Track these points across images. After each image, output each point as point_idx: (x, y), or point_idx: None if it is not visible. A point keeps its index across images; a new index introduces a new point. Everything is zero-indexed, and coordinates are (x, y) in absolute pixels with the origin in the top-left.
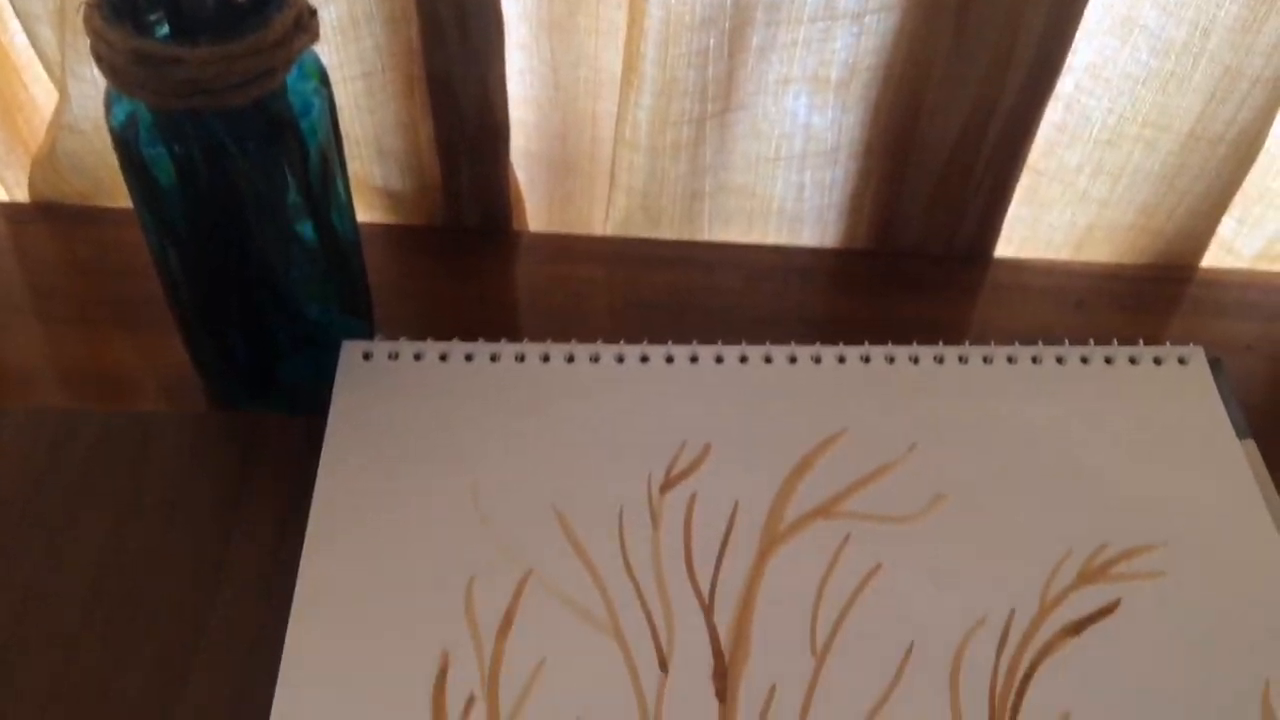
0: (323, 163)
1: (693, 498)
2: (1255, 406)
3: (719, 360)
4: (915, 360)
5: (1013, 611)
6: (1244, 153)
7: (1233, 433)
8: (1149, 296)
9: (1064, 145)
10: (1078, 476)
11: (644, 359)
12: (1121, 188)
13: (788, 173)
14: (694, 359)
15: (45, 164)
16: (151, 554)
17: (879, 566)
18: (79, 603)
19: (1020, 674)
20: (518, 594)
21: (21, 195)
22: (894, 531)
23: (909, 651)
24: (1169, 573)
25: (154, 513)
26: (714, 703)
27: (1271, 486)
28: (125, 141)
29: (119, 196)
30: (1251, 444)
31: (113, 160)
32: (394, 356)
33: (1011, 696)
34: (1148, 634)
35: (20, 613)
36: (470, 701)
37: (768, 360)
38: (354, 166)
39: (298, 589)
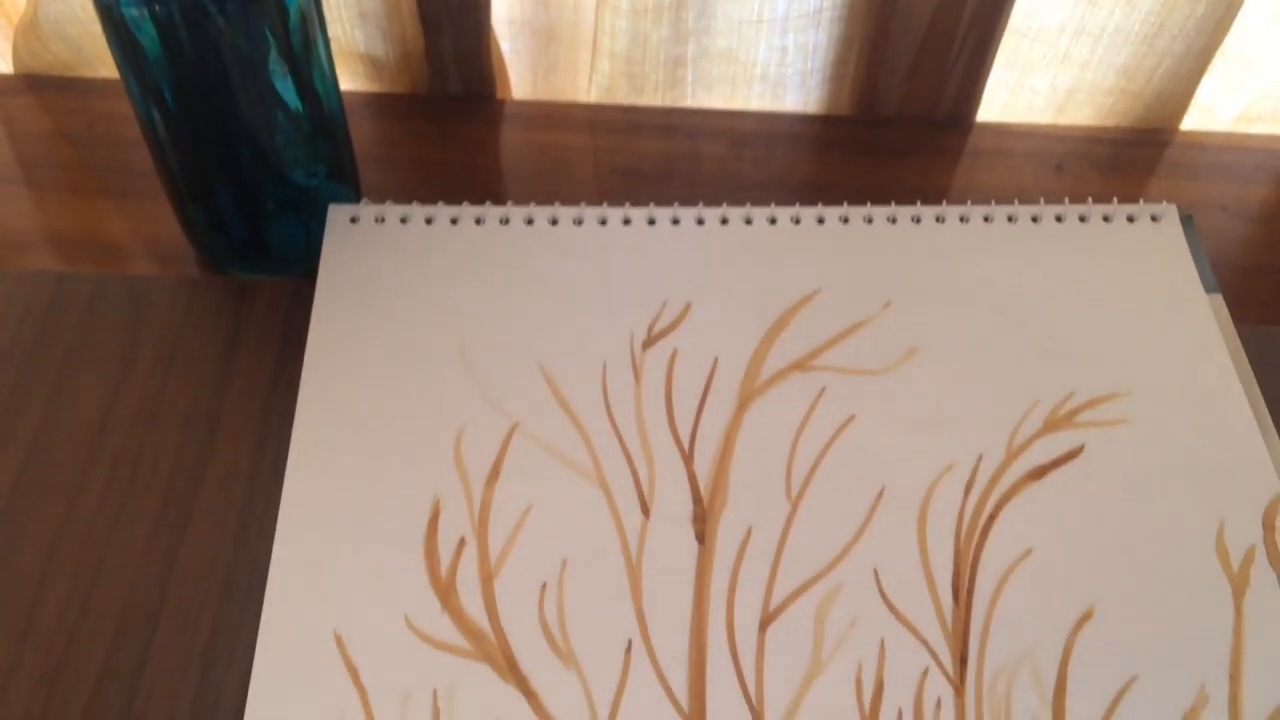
0: (303, 23)
1: (674, 354)
2: (1227, 265)
3: (700, 222)
4: (893, 221)
5: (980, 458)
6: (1223, 13)
7: (1201, 287)
8: (1128, 159)
9: (1045, 6)
10: (1048, 330)
11: (626, 221)
12: (1102, 49)
13: (770, 36)
14: (675, 221)
15: (28, 33)
16: (149, 408)
17: (852, 417)
18: (80, 455)
19: (985, 516)
20: (505, 445)
21: (6, 67)
22: (867, 384)
23: (879, 496)
24: (1132, 420)
25: (150, 370)
26: (694, 544)
27: (1236, 339)
28: (106, 4)
29: (103, 66)
30: (1219, 298)
31: (96, 27)
32: (380, 220)
33: (976, 536)
34: (1108, 478)
35: (24, 466)
36: (461, 544)
37: (748, 222)
38: (336, 31)
39: (293, 440)
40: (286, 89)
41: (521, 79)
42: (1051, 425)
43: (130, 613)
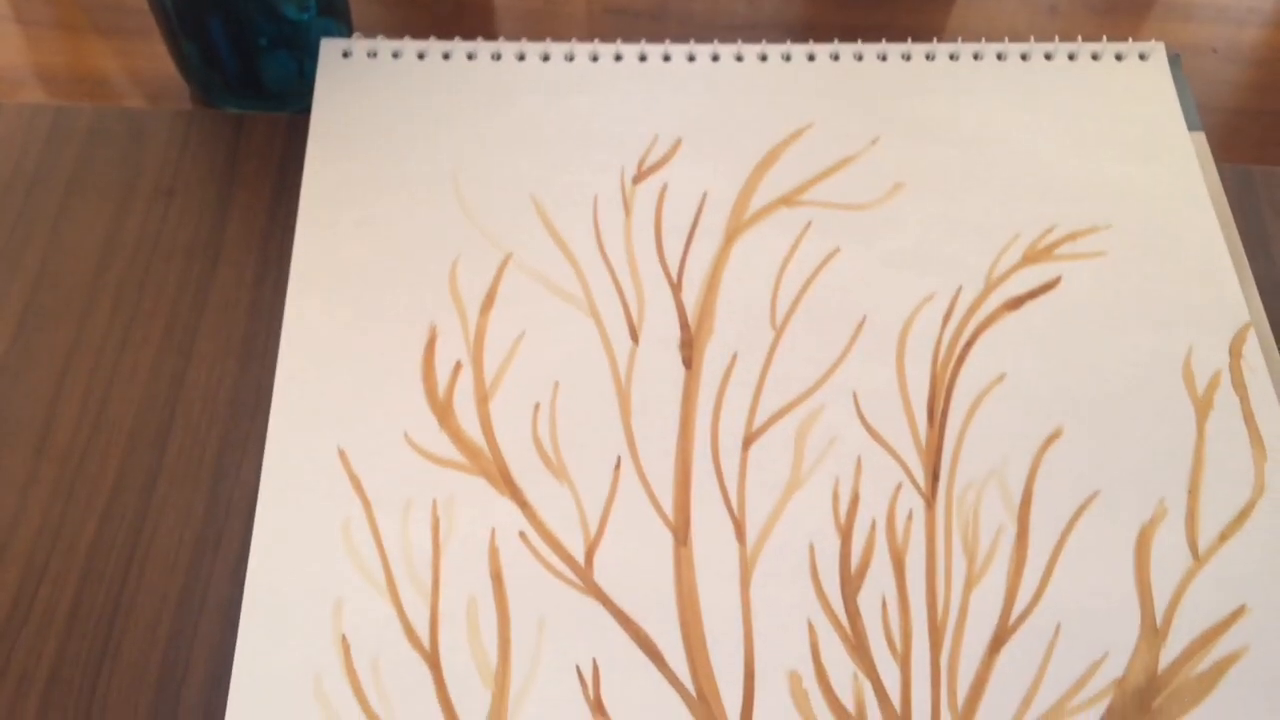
0: None
1: (664, 188)
2: (1215, 107)
3: (691, 59)
4: (883, 58)
5: (959, 289)
6: None
7: (1184, 125)
8: (1122, 1)
9: None
10: (1033, 166)
11: (618, 57)
12: None
13: None
14: (667, 58)
15: None
16: (151, 238)
17: (837, 250)
18: (85, 284)
19: (962, 343)
20: (499, 274)
21: None
22: (853, 218)
23: (860, 325)
24: (1109, 252)
25: (150, 201)
26: (681, 369)
27: (1216, 176)
28: None
29: None
30: (1201, 136)
31: None
32: (372, 55)
33: (952, 362)
34: (1083, 307)
35: (32, 292)
36: (457, 367)
37: (739, 59)
38: None
39: (292, 269)
40: None
41: None
42: (1030, 258)
43: (141, 429)
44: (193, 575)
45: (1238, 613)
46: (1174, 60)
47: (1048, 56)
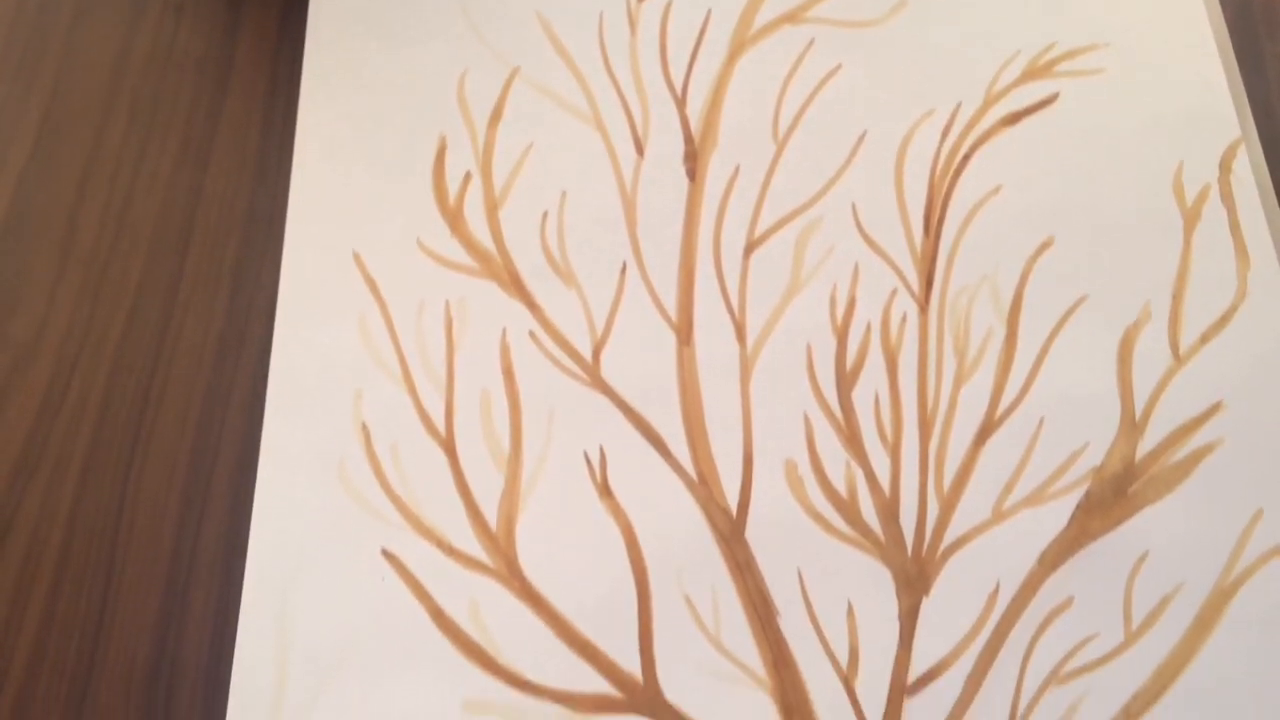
0: None
1: (668, 6)
2: None
3: None
4: None
5: (959, 104)
6: None
7: None
8: None
9: None
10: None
11: None
12: None
13: None
14: None
15: None
16: (162, 54)
17: (839, 66)
18: (101, 96)
19: (959, 157)
20: (505, 89)
21: None
22: (855, 35)
23: (861, 139)
24: (1107, 69)
25: (160, 17)
26: (684, 180)
27: (1216, 3)
28: None
29: None
30: None
31: None
32: None
33: (950, 175)
34: (1079, 123)
35: (49, 103)
36: (467, 177)
37: None
38: None
39: (304, 83)
40: None
41: None
42: (1030, 74)
43: (162, 234)
44: (218, 371)
45: (1215, 408)
46: None
47: None
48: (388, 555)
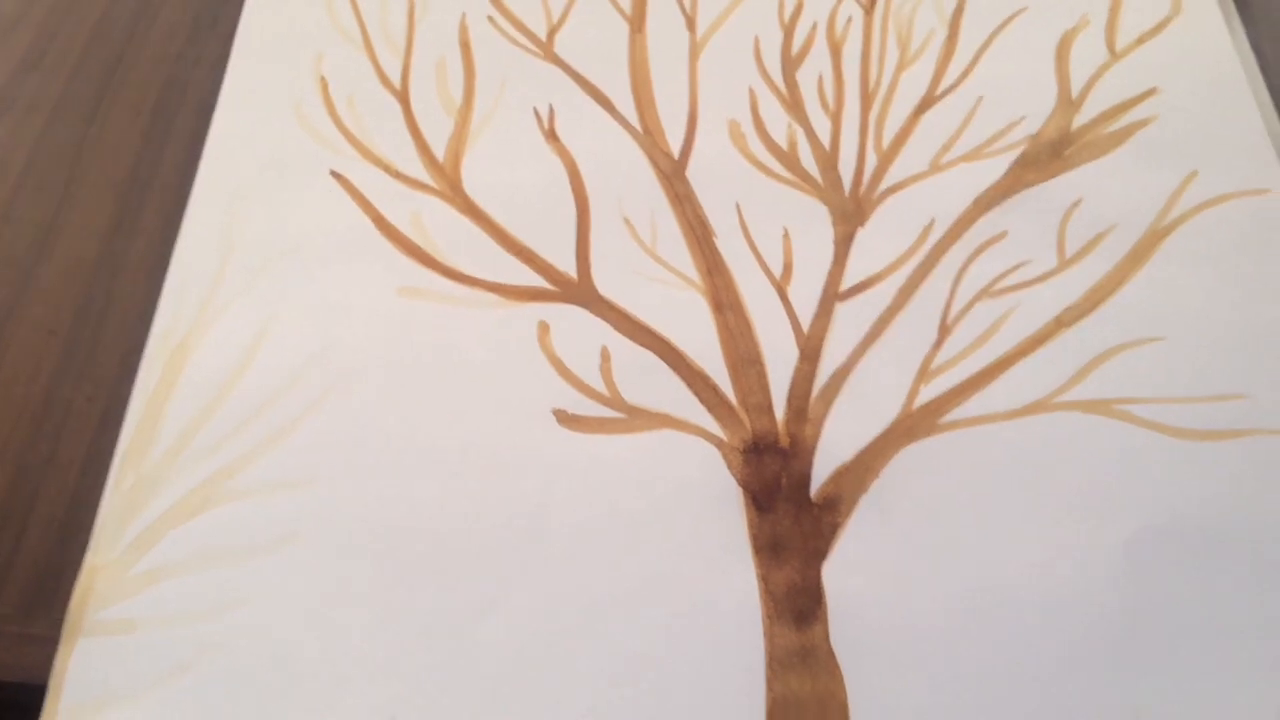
0: None
1: None
2: None
3: None
4: None
5: None
6: None
7: None
8: None
9: None
10: None
11: None
12: None
13: None
14: None
15: None
16: None
17: None
18: None
19: None
20: None
21: None
22: None
23: None
24: None
25: None
26: None
27: None
28: None
29: None
30: None
31: None
32: None
33: None
34: None
35: None
36: None
37: None
38: None
39: None
40: None
41: None
42: None
43: None
44: (191, 41)
45: (1150, 91)
46: None
47: None
48: (335, 175)
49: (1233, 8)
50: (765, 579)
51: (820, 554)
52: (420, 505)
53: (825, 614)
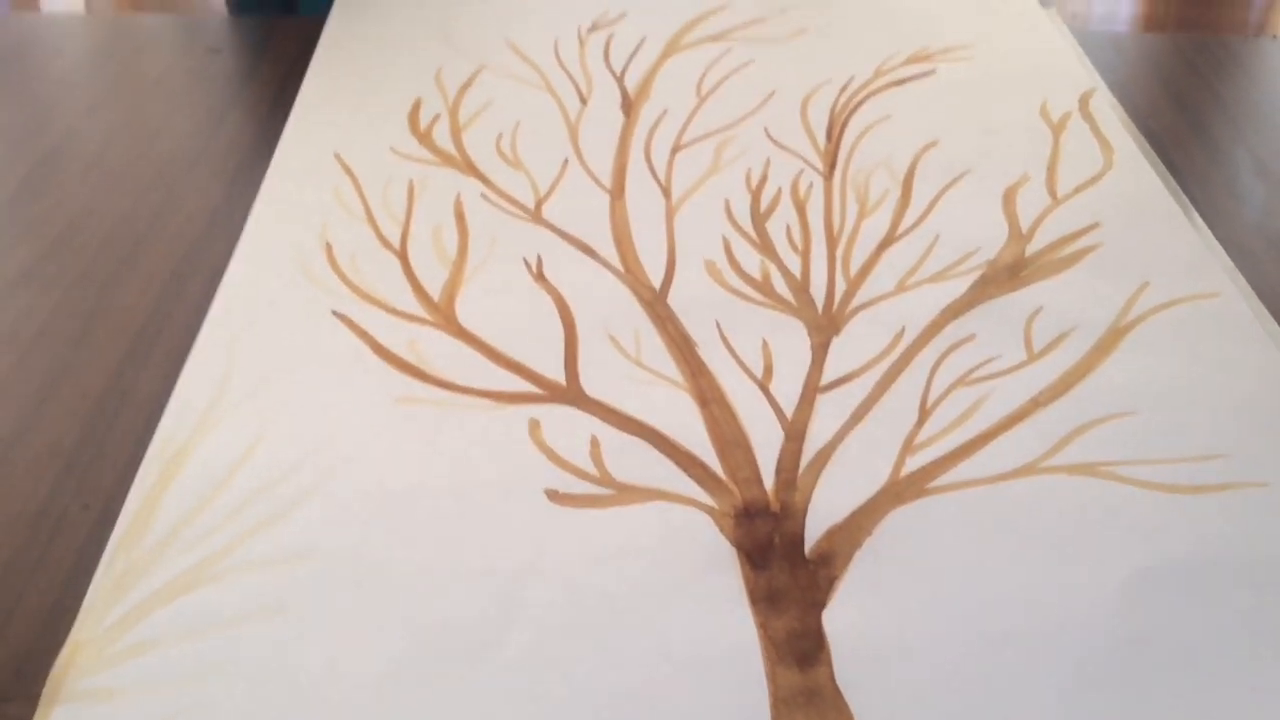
0: None
1: (611, 36)
2: None
3: None
4: None
5: (852, 76)
6: None
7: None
8: None
9: None
10: (916, 18)
11: None
12: None
13: None
14: None
15: None
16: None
17: (753, 60)
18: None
19: (854, 102)
20: (475, 74)
21: None
22: (765, 47)
23: (771, 94)
24: (976, 58)
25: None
26: (621, 116)
27: (1054, 10)
28: None
29: None
30: (1053, 11)
31: None
32: None
33: (847, 109)
34: (955, 82)
35: None
36: (436, 118)
37: None
38: None
39: (308, 73)
40: None
41: None
42: (911, 60)
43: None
44: (212, 224)
45: (1093, 225)
46: None
47: None
48: (337, 314)
49: (1157, 160)
50: (764, 626)
51: (819, 604)
52: (411, 576)
53: (829, 657)
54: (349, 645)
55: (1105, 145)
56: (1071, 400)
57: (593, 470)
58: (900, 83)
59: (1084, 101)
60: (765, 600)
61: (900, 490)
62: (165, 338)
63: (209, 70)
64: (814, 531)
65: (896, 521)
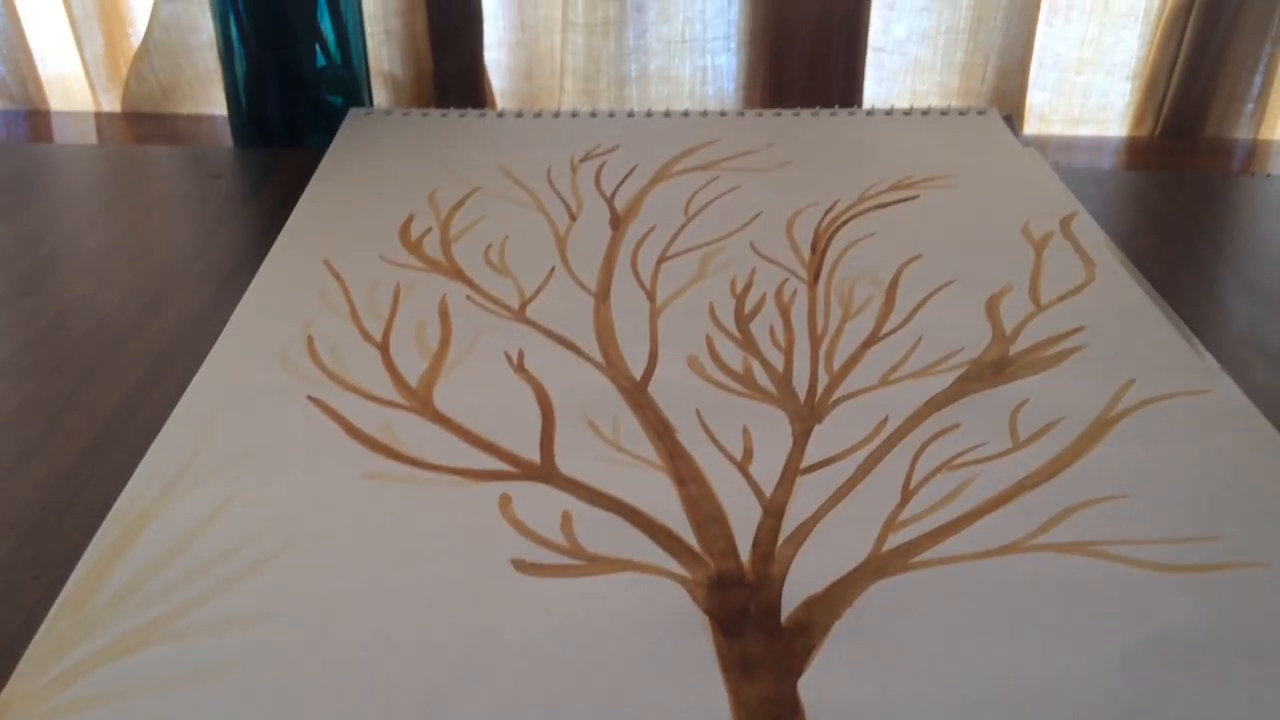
0: None
1: (603, 164)
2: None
3: (630, 115)
4: (795, 114)
5: (837, 200)
6: (1030, 12)
7: (1016, 141)
8: None
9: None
10: (897, 157)
11: (574, 114)
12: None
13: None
14: (631, 114)
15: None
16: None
17: (739, 186)
18: None
19: (840, 221)
20: (468, 194)
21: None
22: (752, 176)
23: (756, 216)
24: (958, 185)
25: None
26: (609, 231)
27: (1034, 149)
28: None
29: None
30: (1033, 149)
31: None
32: (389, 112)
33: (832, 228)
34: (938, 206)
35: None
36: (428, 231)
37: (666, 114)
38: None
39: (304, 196)
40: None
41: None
42: (895, 187)
43: (192, 266)
44: (195, 326)
45: (1076, 329)
46: (1008, 119)
47: (906, 113)
48: (312, 399)
49: (1140, 276)
50: (736, 693)
51: (795, 672)
52: (370, 638)
53: None
54: (300, 710)
55: (1087, 261)
56: (1060, 484)
57: (563, 542)
58: (884, 205)
59: (1065, 224)
60: (738, 668)
61: (883, 564)
62: (135, 425)
63: (210, 193)
64: (791, 601)
65: (878, 593)
